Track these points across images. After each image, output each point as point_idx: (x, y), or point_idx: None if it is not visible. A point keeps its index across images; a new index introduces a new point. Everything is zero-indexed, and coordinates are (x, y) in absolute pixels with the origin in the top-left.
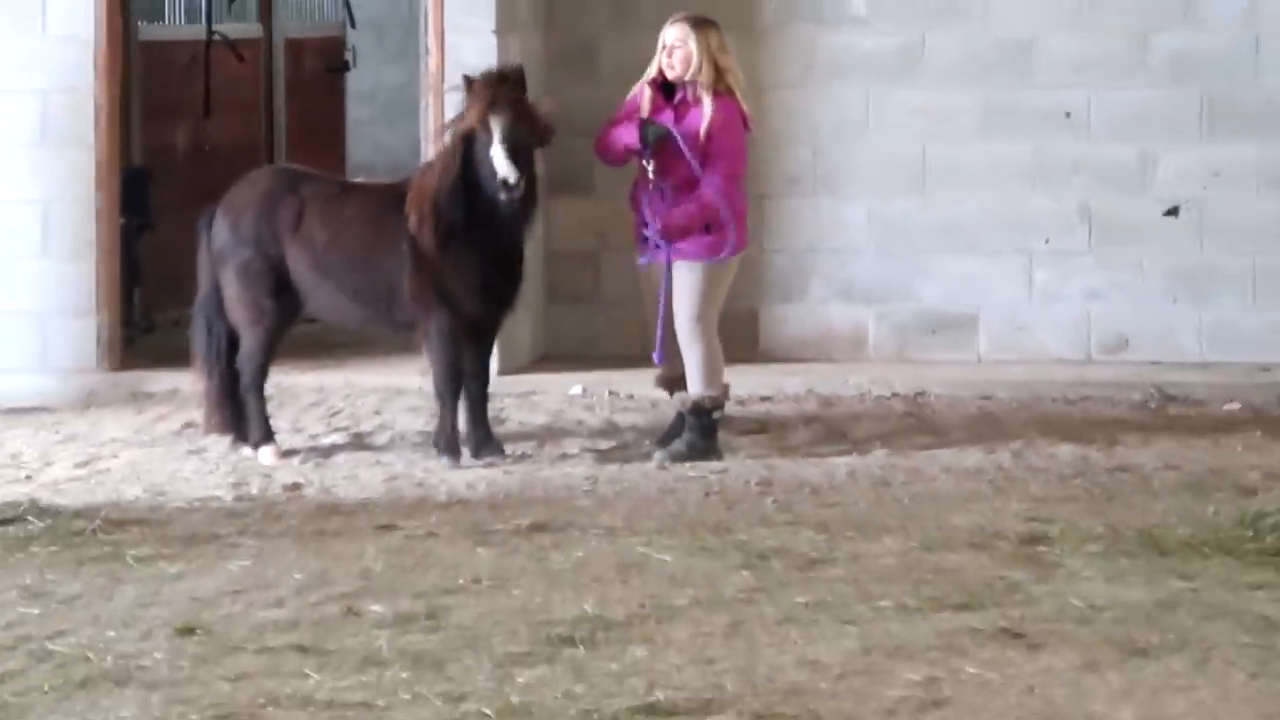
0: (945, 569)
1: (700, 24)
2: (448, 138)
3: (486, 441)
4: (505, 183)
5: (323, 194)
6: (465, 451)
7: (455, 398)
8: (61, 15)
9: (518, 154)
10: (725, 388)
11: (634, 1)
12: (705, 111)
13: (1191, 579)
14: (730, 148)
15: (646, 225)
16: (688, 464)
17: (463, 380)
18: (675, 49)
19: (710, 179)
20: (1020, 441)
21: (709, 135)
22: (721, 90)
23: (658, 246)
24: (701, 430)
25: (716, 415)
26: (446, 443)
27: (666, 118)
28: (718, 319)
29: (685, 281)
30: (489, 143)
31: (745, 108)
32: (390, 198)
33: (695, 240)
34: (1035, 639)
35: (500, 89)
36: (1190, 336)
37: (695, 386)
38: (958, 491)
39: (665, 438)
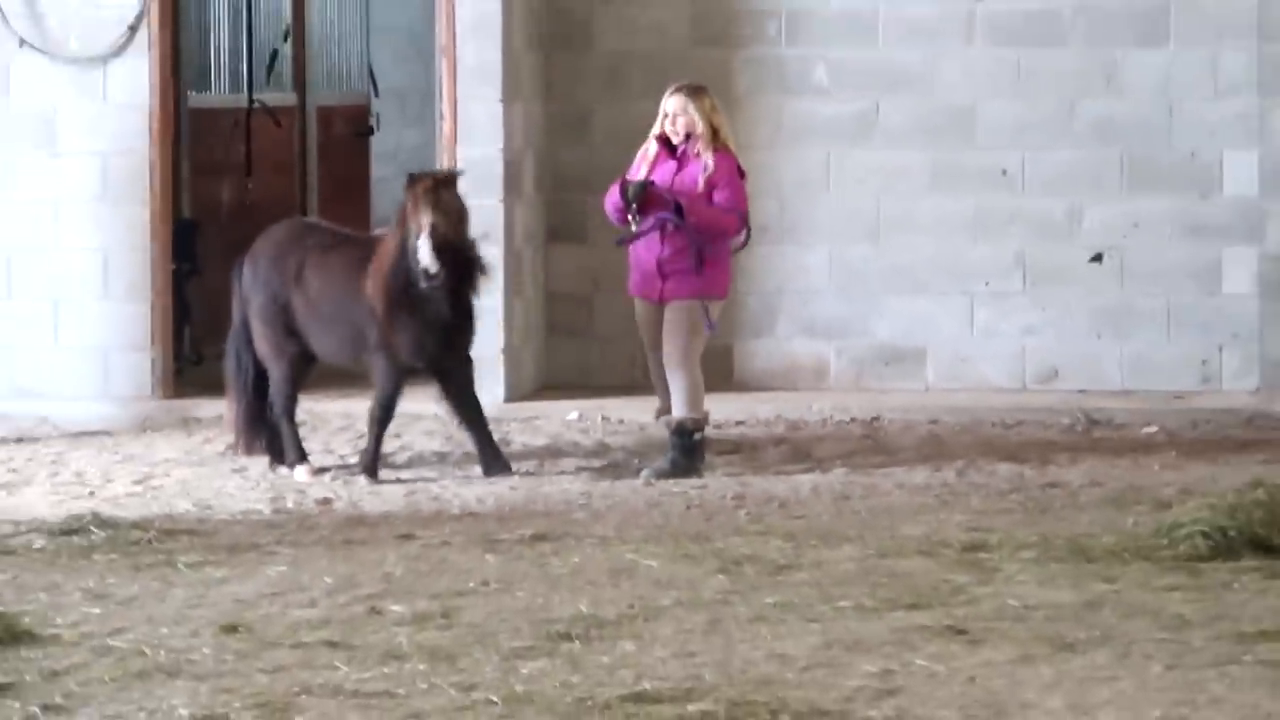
0: (898, 573)
1: (695, 91)
2: (394, 222)
3: (495, 460)
4: (426, 272)
5: (321, 246)
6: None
7: (382, 427)
8: (121, 84)
9: (441, 248)
10: (705, 413)
11: (624, 75)
12: (707, 165)
13: (1114, 582)
14: (730, 198)
15: (644, 267)
16: (671, 480)
17: (392, 415)
18: (678, 116)
19: (730, 219)
20: (963, 461)
21: (710, 185)
22: (719, 146)
23: (663, 279)
24: (684, 450)
25: (697, 437)
26: (368, 462)
27: (669, 168)
28: (700, 353)
29: (676, 319)
30: (418, 234)
31: (738, 160)
32: (369, 253)
33: (687, 282)
34: (976, 635)
35: (433, 190)
36: (1113, 368)
37: (679, 410)
38: (908, 505)
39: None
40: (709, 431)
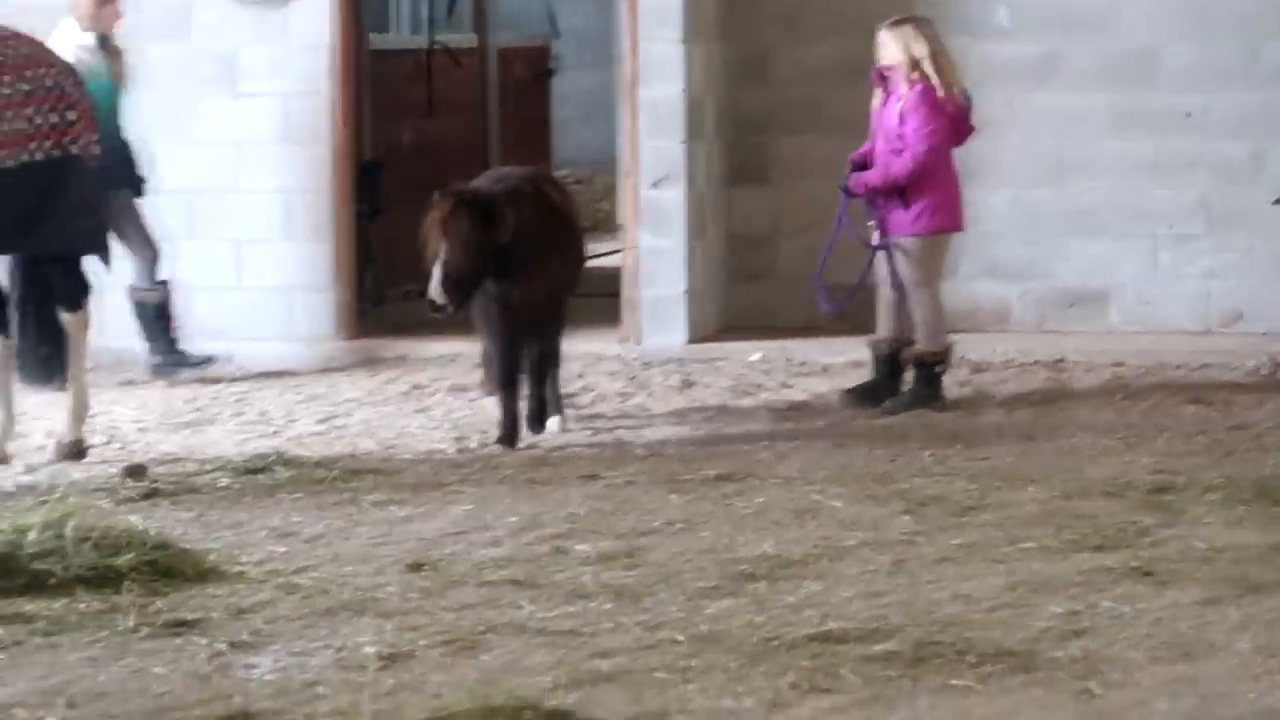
0: (1083, 515)
1: (896, 24)
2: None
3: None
4: (432, 303)
5: None
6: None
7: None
8: (302, 26)
9: (450, 279)
10: (946, 345)
11: (803, 17)
12: (901, 97)
13: None
14: (915, 128)
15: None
16: (905, 413)
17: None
18: (880, 51)
19: (902, 159)
20: (1148, 403)
21: (901, 119)
22: (915, 78)
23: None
24: (926, 380)
25: (939, 369)
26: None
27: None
28: (938, 285)
29: (904, 254)
30: (433, 261)
31: (942, 87)
32: None
33: (900, 217)
34: (1162, 577)
35: (450, 215)
36: None
37: (921, 343)
38: (1093, 447)
39: (862, 390)
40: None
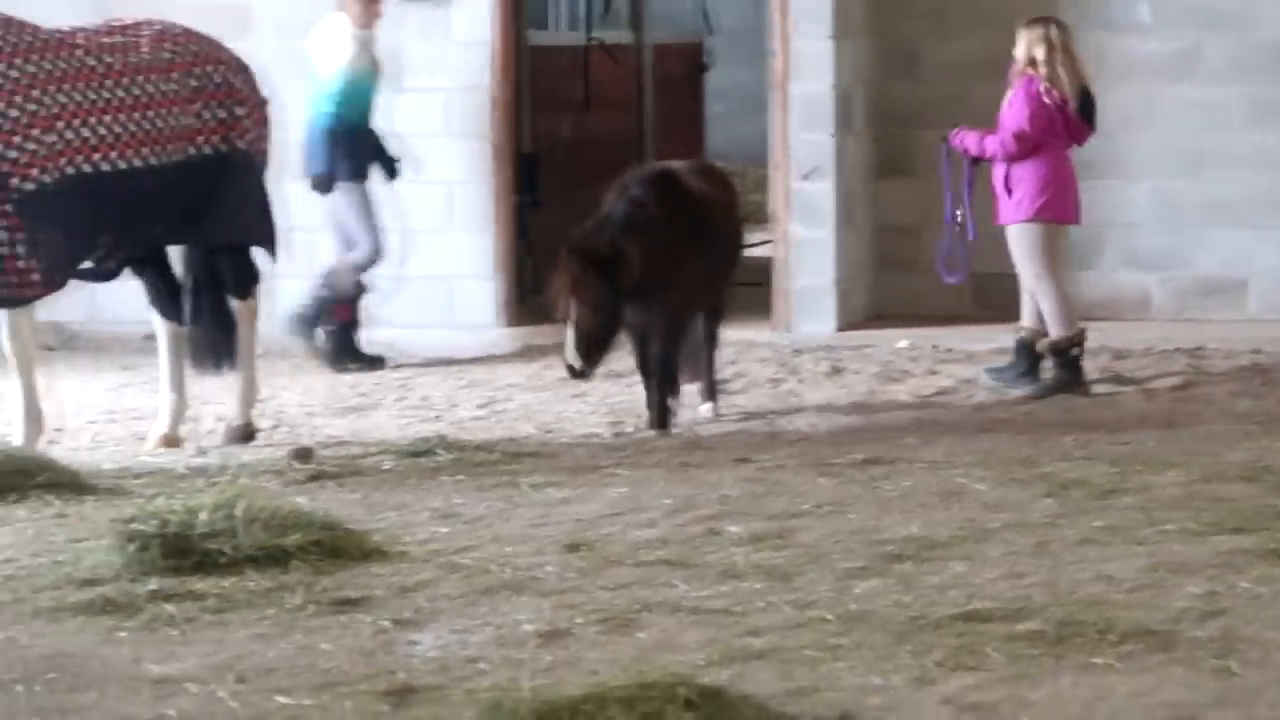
0: (1221, 498)
1: (1028, 23)
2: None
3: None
4: (570, 369)
5: None
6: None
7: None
8: (464, 24)
9: (585, 342)
10: (1078, 329)
11: (950, 13)
12: (1012, 89)
13: None
14: (1005, 121)
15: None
16: (1051, 397)
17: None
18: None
19: (992, 138)
20: None
21: (1007, 107)
22: (1025, 72)
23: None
24: (1063, 365)
25: (1074, 352)
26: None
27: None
28: (1050, 271)
29: (1014, 245)
30: (565, 319)
31: (1046, 84)
32: None
33: (1005, 206)
34: None
35: (581, 277)
36: None
37: (1051, 330)
38: (1232, 432)
39: (999, 371)
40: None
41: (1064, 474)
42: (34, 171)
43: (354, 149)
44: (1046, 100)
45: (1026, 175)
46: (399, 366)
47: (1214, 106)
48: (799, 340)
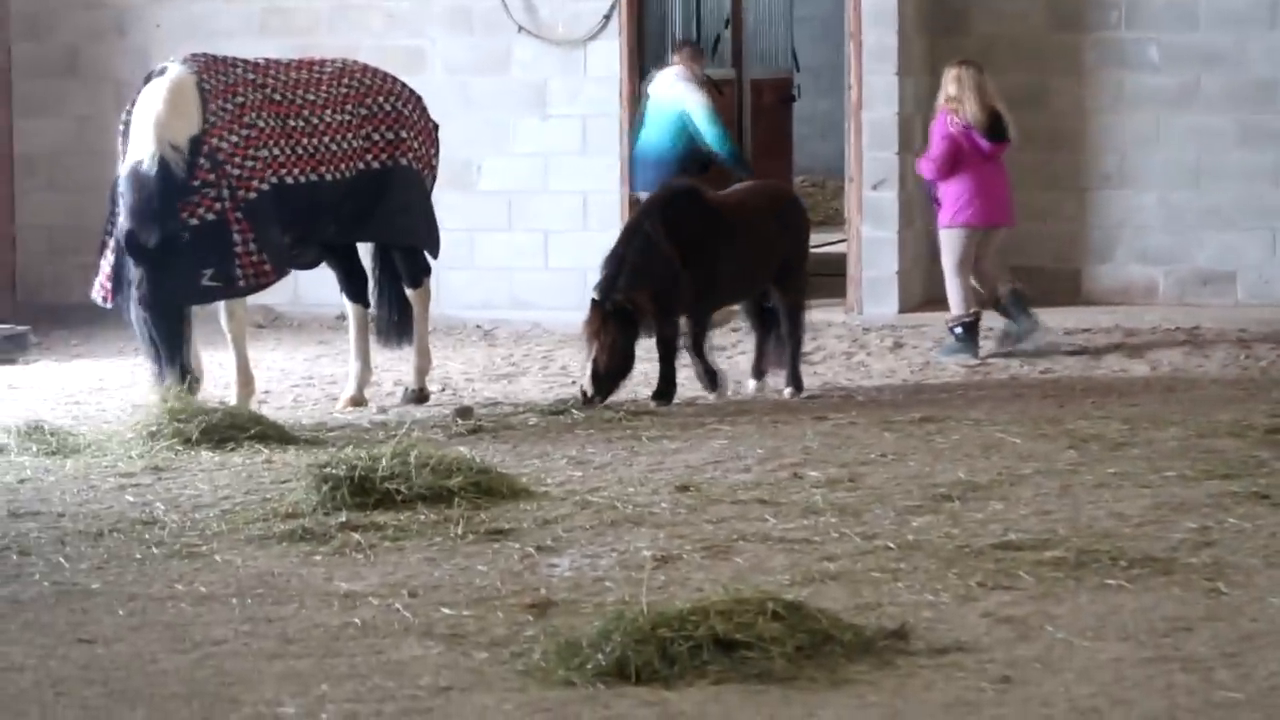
0: (1213, 450)
1: (949, 65)
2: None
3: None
4: (583, 393)
5: None
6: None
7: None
8: (597, 62)
9: (598, 377)
10: (976, 311)
11: (993, 54)
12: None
13: None
14: (931, 145)
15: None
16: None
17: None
18: None
19: (923, 173)
20: (1266, 361)
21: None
22: (942, 107)
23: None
24: (956, 335)
25: (959, 329)
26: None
27: None
28: (956, 267)
29: (940, 244)
30: (587, 357)
31: (952, 115)
32: None
33: (939, 215)
34: (1276, 500)
35: (601, 323)
36: None
37: (952, 309)
38: (1222, 395)
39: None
40: (1057, 337)
41: (1083, 430)
42: (254, 183)
43: (690, 168)
44: (952, 129)
45: (951, 190)
46: (541, 342)
47: (1210, 131)
48: (867, 320)
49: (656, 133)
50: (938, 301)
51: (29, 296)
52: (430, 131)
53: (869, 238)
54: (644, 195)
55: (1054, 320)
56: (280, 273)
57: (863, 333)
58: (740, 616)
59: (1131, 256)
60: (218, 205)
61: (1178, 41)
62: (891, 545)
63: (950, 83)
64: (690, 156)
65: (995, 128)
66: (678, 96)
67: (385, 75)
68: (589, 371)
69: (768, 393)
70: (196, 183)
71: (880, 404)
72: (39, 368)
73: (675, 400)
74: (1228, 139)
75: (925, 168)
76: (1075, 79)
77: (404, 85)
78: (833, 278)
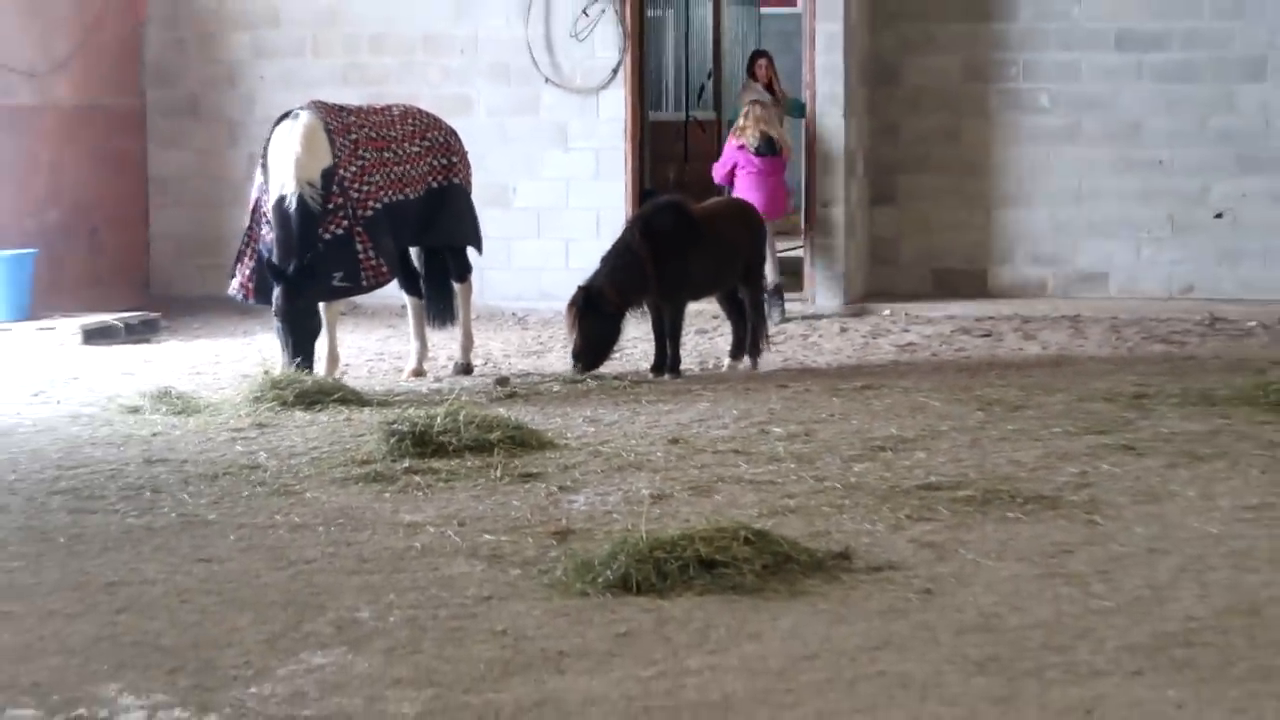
0: (1090, 411)
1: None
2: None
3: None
4: (573, 366)
5: None
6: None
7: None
8: (607, 106)
9: (577, 355)
10: (775, 283)
11: (920, 101)
12: None
13: (1229, 418)
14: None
15: None
16: (941, 342)
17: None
18: None
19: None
20: (1132, 343)
21: None
22: (733, 133)
23: None
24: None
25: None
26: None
27: None
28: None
29: None
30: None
31: (735, 137)
32: None
33: None
34: (1140, 450)
35: (577, 313)
36: (1229, 285)
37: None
38: (1098, 369)
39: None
40: (965, 323)
41: (989, 395)
42: (369, 203)
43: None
44: (731, 149)
45: (736, 192)
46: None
47: (1090, 161)
48: (819, 309)
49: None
50: (876, 295)
51: (160, 290)
52: (465, 156)
53: (820, 244)
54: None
55: (964, 310)
56: (393, 273)
57: (816, 319)
58: (719, 541)
59: (1027, 260)
60: (345, 222)
61: (1065, 90)
62: (838, 486)
63: (742, 116)
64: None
65: (764, 148)
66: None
67: (433, 115)
68: (571, 350)
69: (741, 369)
70: (330, 206)
71: (829, 375)
72: (168, 346)
73: (672, 375)
74: (1104, 168)
75: (716, 173)
76: (984, 120)
77: (446, 123)
78: (792, 275)
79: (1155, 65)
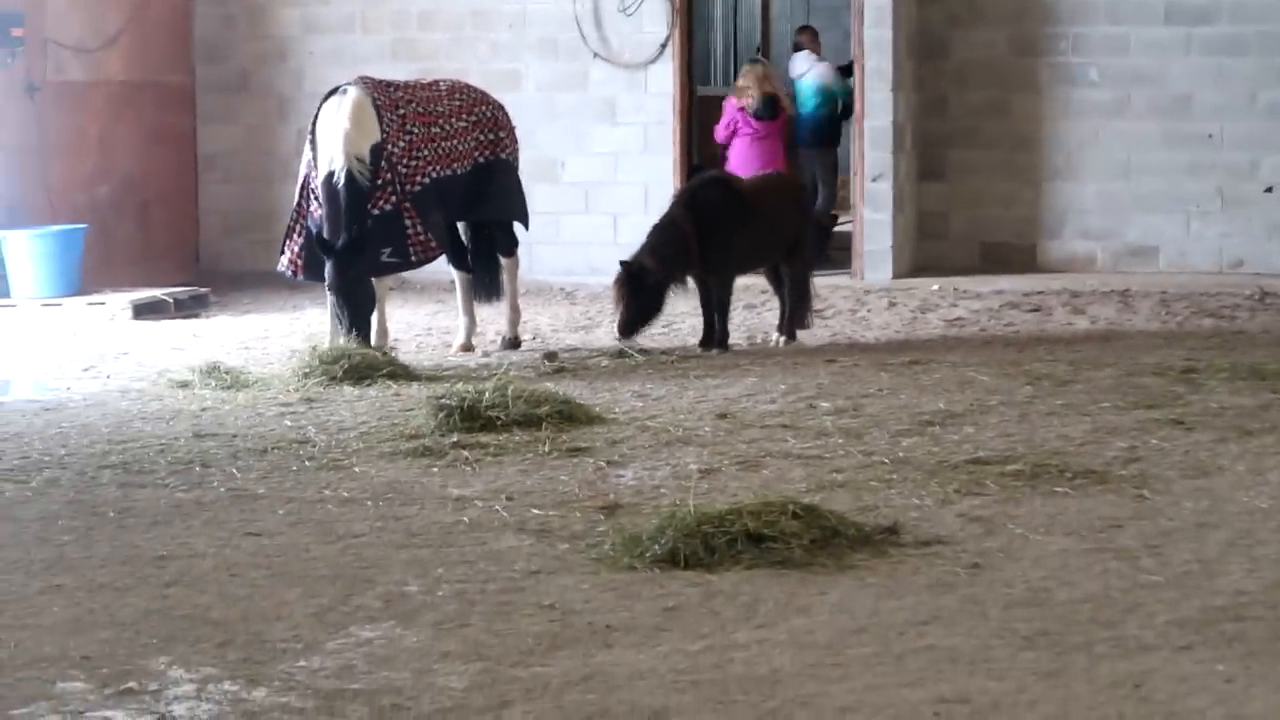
0: (1139, 386)
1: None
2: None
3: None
4: (619, 339)
5: None
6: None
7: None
8: (656, 81)
9: (622, 326)
10: None
11: (967, 74)
12: None
13: (1278, 393)
14: None
15: None
16: (990, 317)
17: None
18: None
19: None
20: (1182, 316)
21: None
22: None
23: None
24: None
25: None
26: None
27: None
28: None
29: None
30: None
31: (735, 99)
32: None
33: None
34: (1189, 425)
35: (624, 284)
36: (1279, 260)
37: None
38: (1147, 343)
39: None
40: (1015, 298)
41: (1038, 369)
42: (417, 178)
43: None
44: (731, 109)
45: (731, 153)
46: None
47: (1138, 135)
48: (868, 284)
49: (810, 105)
50: (924, 269)
51: (209, 265)
52: (512, 131)
53: (869, 220)
54: (805, 152)
55: (1013, 285)
56: (442, 248)
57: (864, 294)
58: (767, 516)
59: (1076, 234)
60: (393, 198)
61: (1113, 64)
62: (886, 460)
63: (742, 76)
64: (830, 118)
65: (763, 111)
66: (818, 74)
67: (480, 90)
68: (616, 323)
69: (788, 344)
70: (379, 181)
71: (877, 349)
72: (217, 321)
73: (719, 349)
74: (1152, 141)
75: (718, 134)
76: (1033, 94)
77: (493, 97)
78: (841, 250)
79: (1204, 38)
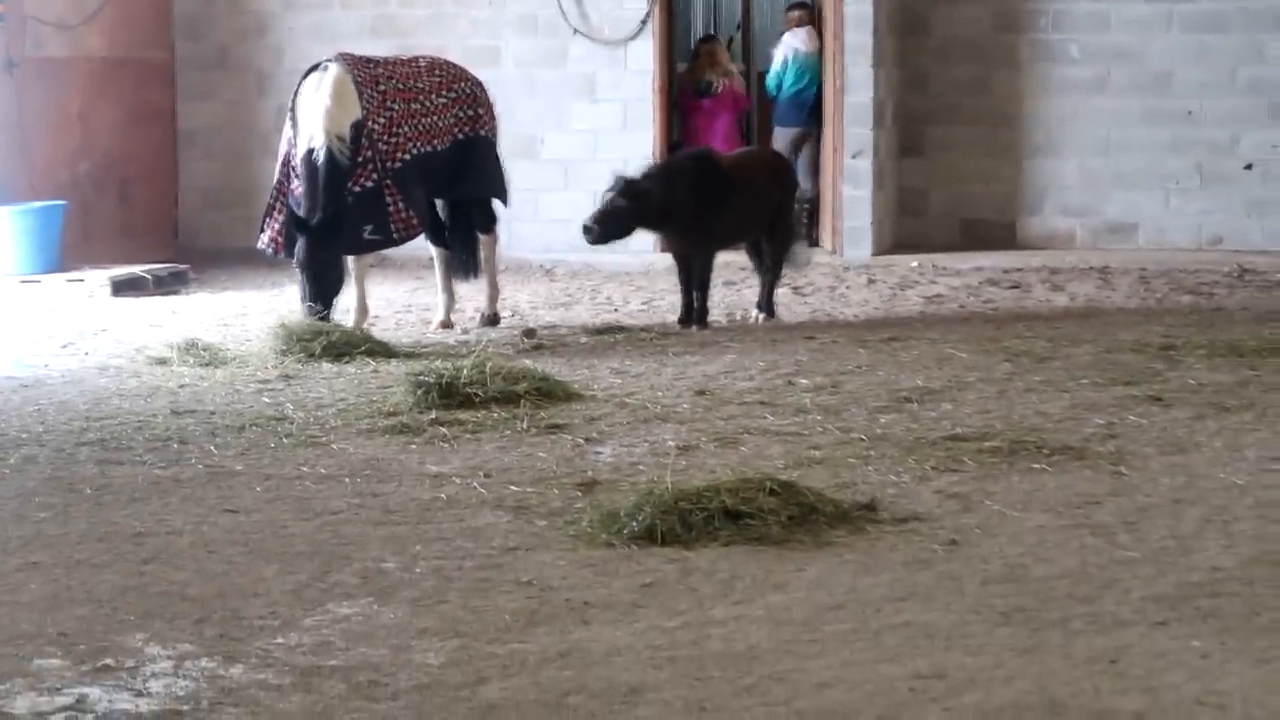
0: (1118, 362)
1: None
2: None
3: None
4: (585, 227)
5: None
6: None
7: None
8: (635, 58)
9: (597, 215)
10: None
11: (949, 51)
12: None
13: (1256, 370)
14: None
15: None
16: (969, 294)
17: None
18: None
19: None
20: (1160, 293)
21: None
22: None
23: None
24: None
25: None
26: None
27: None
28: None
29: None
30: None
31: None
32: None
33: None
34: (1167, 401)
35: (608, 200)
36: (1257, 236)
37: None
38: (1126, 319)
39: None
40: (993, 274)
41: (1016, 346)
42: (398, 154)
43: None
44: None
45: (684, 131)
46: (590, 278)
47: (1118, 112)
48: (847, 261)
49: (802, 80)
50: (904, 246)
51: (188, 242)
52: (490, 107)
53: (848, 196)
54: (788, 131)
55: (992, 262)
56: (423, 225)
57: (843, 271)
58: (744, 492)
59: (1056, 210)
60: (374, 175)
61: (1093, 41)
62: (863, 437)
63: (694, 56)
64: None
65: (703, 88)
66: (818, 49)
67: (459, 66)
68: (593, 213)
69: (764, 320)
70: (359, 159)
71: (856, 326)
72: (196, 298)
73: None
74: (1132, 118)
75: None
76: (1013, 71)
77: (472, 74)
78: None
79: (1184, 15)
